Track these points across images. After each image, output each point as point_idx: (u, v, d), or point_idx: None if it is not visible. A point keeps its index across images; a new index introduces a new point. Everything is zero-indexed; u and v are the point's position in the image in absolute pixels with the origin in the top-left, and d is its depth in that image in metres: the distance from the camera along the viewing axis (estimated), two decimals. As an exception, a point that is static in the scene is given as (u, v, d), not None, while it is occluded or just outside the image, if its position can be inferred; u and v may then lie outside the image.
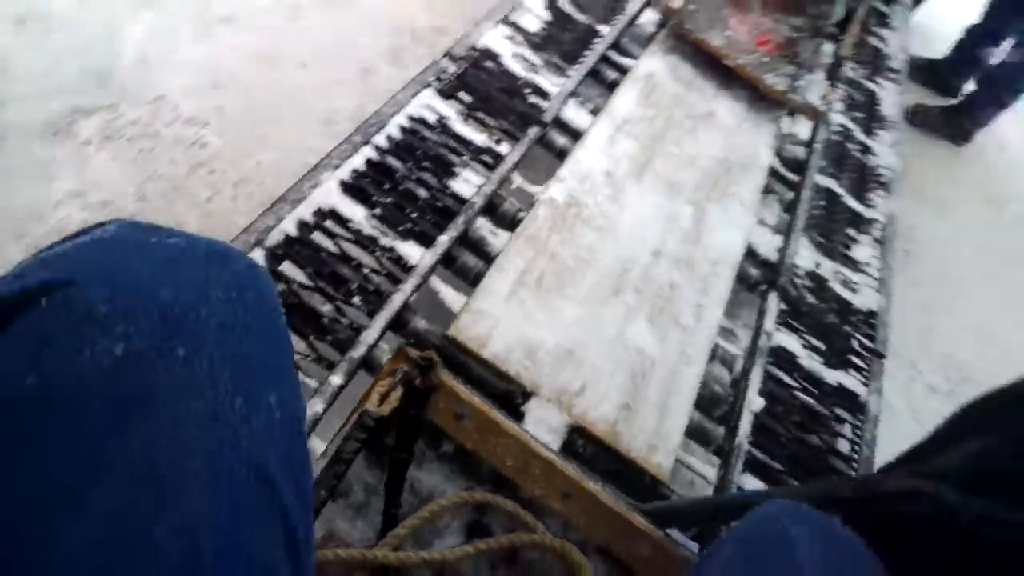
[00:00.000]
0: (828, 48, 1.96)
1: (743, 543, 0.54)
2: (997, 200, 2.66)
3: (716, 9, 1.78)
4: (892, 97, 2.02)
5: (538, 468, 0.78)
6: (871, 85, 2.02)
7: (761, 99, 1.67)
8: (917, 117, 2.65)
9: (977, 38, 2.68)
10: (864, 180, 1.67)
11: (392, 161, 1.12)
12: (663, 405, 1.03)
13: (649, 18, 1.75)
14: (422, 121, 1.20)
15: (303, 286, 0.95)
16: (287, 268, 0.96)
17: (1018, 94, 2.55)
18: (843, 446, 1.12)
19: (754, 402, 1.09)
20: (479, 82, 1.32)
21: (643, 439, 0.97)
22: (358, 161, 1.09)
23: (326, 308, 0.94)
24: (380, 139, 1.13)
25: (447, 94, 1.26)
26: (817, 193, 1.55)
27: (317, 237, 1.00)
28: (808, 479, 1.04)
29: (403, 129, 1.17)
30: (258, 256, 0.94)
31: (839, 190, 1.60)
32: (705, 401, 1.09)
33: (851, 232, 1.51)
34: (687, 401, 1.05)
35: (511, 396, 0.93)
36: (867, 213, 1.58)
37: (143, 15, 1.59)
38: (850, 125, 1.82)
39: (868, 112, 1.91)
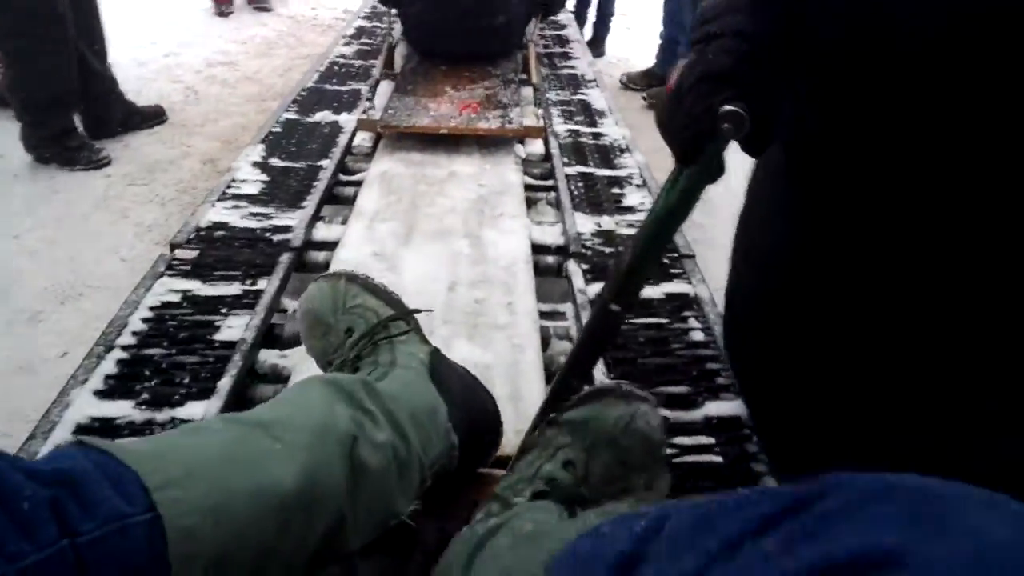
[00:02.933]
0: (527, 91, 2.20)
1: None
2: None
3: (413, 105, 1.95)
4: (600, 99, 2.26)
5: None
6: (578, 96, 2.26)
7: (490, 144, 1.81)
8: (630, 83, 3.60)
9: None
10: (607, 153, 1.82)
11: (147, 351, 1.05)
12: (515, 395, 0.97)
13: (363, 138, 1.87)
14: (166, 305, 1.16)
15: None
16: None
17: None
18: (697, 336, 1.11)
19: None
20: (216, 251, 1.31)
21: (508, 431, 0.90)
22: (108, 367, 1.01)
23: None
24: (124, 340, 1.07)
25: (186, 275, 1.23)
26: (573, 180, 1.65)
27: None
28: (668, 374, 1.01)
29: (147, 320, 1.11)
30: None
31: (591, 169, 1.72)
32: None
33: (615, 190, 1.61)
34: (537, 380, 1.00)
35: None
36: (622, 172, 1.70)
37: None
38: (575, 127, 2.00)
39: (586, 113, 2.12)
